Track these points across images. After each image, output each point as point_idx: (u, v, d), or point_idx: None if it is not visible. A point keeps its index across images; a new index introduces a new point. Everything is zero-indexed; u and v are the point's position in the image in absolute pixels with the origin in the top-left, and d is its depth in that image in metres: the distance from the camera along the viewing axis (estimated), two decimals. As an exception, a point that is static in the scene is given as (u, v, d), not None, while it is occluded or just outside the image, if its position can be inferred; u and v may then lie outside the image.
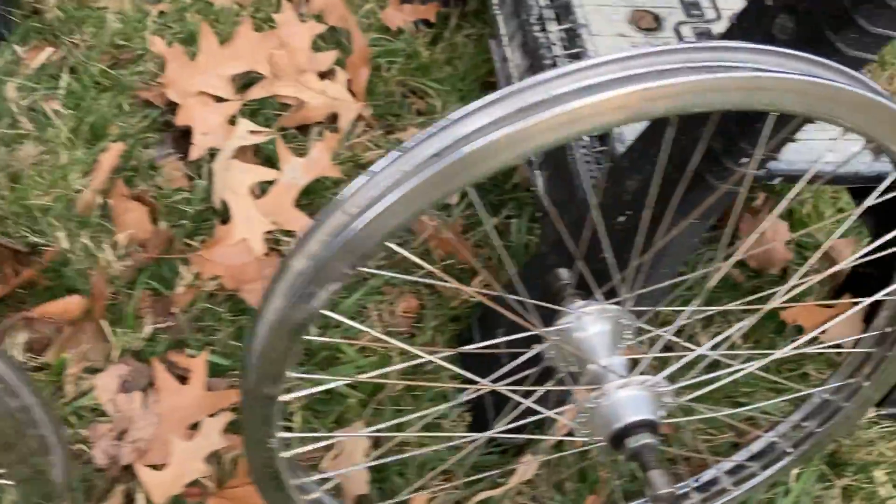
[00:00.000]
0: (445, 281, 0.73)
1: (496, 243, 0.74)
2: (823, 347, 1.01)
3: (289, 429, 1.10)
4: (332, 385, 1.06)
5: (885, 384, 0.99)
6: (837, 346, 1.01)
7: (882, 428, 1.23)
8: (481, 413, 1.13)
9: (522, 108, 0.62)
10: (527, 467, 1.09)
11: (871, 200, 0.77)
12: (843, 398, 1.02)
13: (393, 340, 0.80)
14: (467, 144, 0.61)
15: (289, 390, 0.75)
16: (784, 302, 0.80)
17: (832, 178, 1.07)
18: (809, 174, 0.76)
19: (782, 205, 0.75)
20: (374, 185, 0.64)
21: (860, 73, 0.70)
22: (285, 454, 0.84)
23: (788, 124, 0.71)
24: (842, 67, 0.68)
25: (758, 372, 1.12)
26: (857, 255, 0.84)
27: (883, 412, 1.24)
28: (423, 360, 1.08)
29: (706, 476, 1.11)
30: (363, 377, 0.84)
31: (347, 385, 1.13)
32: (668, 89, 0.62)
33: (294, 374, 0.74)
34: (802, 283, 0.79)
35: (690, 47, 0.66)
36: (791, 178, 1.10)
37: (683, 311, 0.81)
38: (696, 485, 1.10)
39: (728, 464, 1.10)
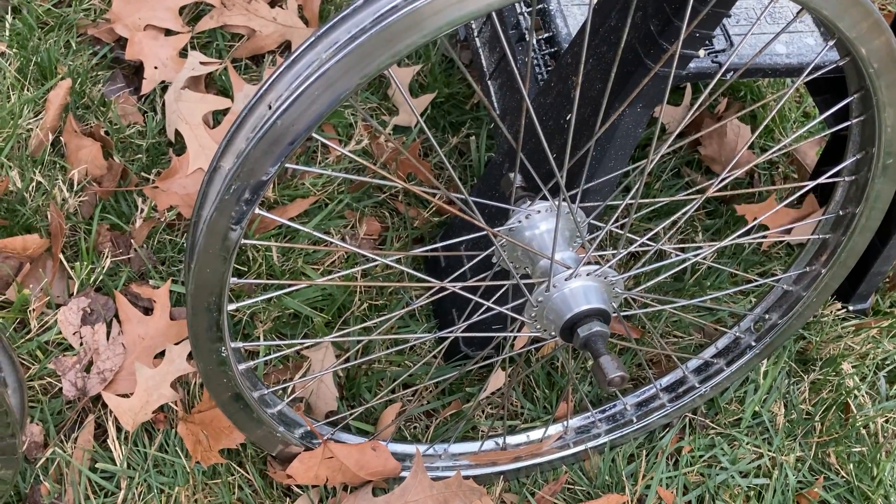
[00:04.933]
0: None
1: (438, 150, 0.73)
2: (761, 237, 1.01)
3: (254, 354, 1.10)
4: (279, 293, 1.07)
5: (843, 271, 1.00)
6: (780, 233, 1.01)
7: (849, 323, 1.23)
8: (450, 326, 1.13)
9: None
10: (497, 379, 1.10)
11: (803, 77, 0.77)
12: (803, 288, 1.02)
13: (340, 242, 0.80)
14: (378, 24, 0.60)
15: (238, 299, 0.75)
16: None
17: (785, 69, 1.06)
18: (746, 65, 0.75)
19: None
20: (294, 74, 0.63)
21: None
22: (242, 366, 0.84)
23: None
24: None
25: (718, 265, 1.12)
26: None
27: (851, 308, 1.25)
28: (388, 279, 1.08)
29: (673, 376, 1.12)
30: (303, 283, 0.83)
31: (313, 307, 1.13)
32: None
33: (236, 281, 0.74)
34: (731, 175, 0.78)
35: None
36: (745, 73, 1.09)
37: (625, 203, 0.81)
38: (662, 386, 1.11)
39: (695, 362, 1.11)
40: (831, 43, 0.75)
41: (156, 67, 1.28)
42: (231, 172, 0.64)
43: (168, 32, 1.32)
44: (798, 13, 0.72)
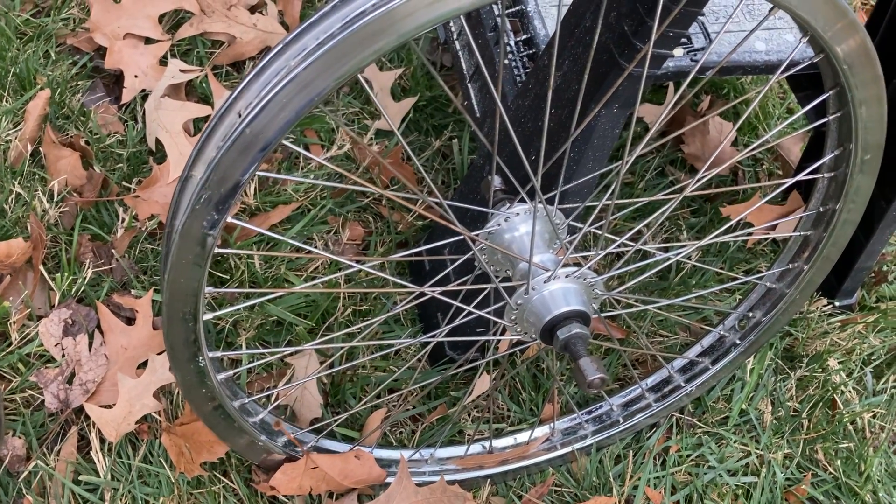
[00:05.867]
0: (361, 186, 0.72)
1: (412, 158, 0.73)
2: (742, 235, 1.01)
3: (237, 362, 1.10)
4: (260, 300, 1.06)
5: (825, 268, 1.00)
6: (761, 231, 1.01)
7: (835, 319, 1.23)
8: (435, 329, 1.13)
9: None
10: (482, 382, 1.10)
11: (778, 75, 0.77)
12: (786, 285, 1.02)
13: (316, 250, 0.79)
14: (346, 30, 0.59)
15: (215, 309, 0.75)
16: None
17: (765, 66, 1.06)
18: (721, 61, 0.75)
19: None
20: (263, 82, 0.63)
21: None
22: (222, 375, 0.84)
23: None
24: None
25: (700, 265, 1.12)
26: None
27: (836, 304, 1.25)
28: (372, 284, 1.08)
29: (658, 376, 1.12)
30: (279, 291, 0.83)
31: (296, 314, 1.12)
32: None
33: (212, 290, 0.73)
34: (709, 174, 0.78)
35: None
36: (724, 71, 1.08)
37: (601, 204, 0.81)
38: (648, 386, 1.11)
39: (680, 361, 1.11)
40: (805, 40, 0.74)
41: (136, 76, 1.28)
42: (202, 181, 0.64)
43: (148, 41, 1.32)
44: (770, 10, 0.72)
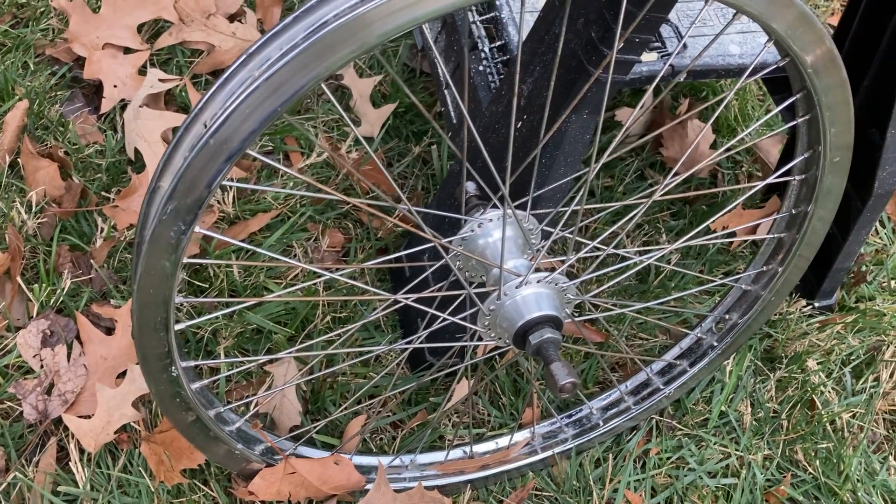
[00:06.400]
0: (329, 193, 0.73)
1: (375, 160, 0.73)
2: (715, 238, 1.01)
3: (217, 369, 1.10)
4: (237, 308, 1.06)
5: (798, 270, 1.00)
6: (731, 234, 1.01)
7: (815, 320, 1.24)
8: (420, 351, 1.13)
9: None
10: (462, 388, 1.10)
11: (743, 80, 0.77)
12: (761, 287, 1.02)
13: (284, 258, 0.80)
14: (309, 40, 0.60)
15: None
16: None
17: (739, 69, 1.07)
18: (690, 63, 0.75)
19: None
20: (228, 92, 0.63)
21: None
22: (196, 385, 0.84)
23: (647, 2, 0.70)
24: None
25: (676, 268, 1.13)
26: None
27: (816, 304, 1.25)
28: (352, 291, 1.08)
29: (637, 379, 1.12)
30: (251, 301, 0.83)
31: (276, 322, 1.13)
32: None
33: (182, 301, 0.74)
34: (678, 178, 0.78)
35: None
36: (698, 75, 1.09)
37: (570, 210, 0.81)
38: (627, 389, 1.11)
39: (658, 364, 1.11)
40: (768, 43, 0.75)
41: (115, 86, 1.28)
42: (168, 192, 0.64)
43: (127, 50, 1.32)
44: (734, 15, 0.72)
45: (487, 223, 0.86)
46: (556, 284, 0.82)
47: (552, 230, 0.83)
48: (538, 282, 0.81)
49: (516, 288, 0.81)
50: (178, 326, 0.75)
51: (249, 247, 0.74)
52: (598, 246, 0.83)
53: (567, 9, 0.66)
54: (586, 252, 0.83)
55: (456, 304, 0.92)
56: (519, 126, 0.91)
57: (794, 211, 0.94)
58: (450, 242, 0.84)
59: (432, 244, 0.95)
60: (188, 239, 0.67)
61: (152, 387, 0.79)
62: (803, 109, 0.83)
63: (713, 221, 1.11)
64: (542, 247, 0.82)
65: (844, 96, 0.79)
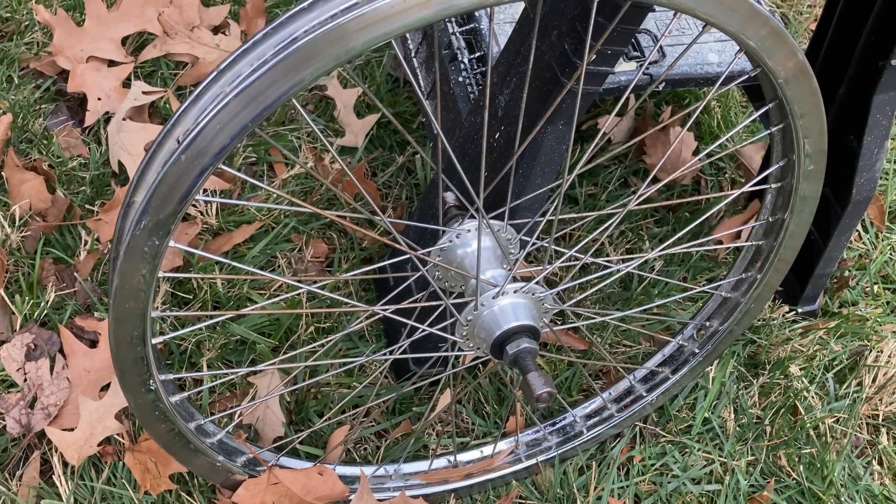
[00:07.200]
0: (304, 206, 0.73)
1: (350, 175, 0.73)
2: (695, 245, 1.02)
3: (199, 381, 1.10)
4: (219, 319, 1.07)
5: (777, 276, 1.01)
6: (713, 242, 1.02)
7: (798, 325, 1.25)
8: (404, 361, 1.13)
9: (335, 13, 0.61)
10: (445, 398, 1.10)
11: (715, 89, 0.78)
12: (741, 294, 1.03)
13: (264, 273, 0.80)
14: (279, 55, 0.60)
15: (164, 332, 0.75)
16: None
17: (717, 78, 1.07)
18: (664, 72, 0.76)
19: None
20: (200, 108, 0.64)
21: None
22: (174, 398, 0.84)
23: (617, 15, 0.70)
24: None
25: (656, 276, 1.13)
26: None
27: (799, 310, 1.26)
28: (336, 302, 1.08)
29: (620, 387, 1.12)
30: (230, 313, 0.84)
31: (260, 333, 1.13)
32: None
33: (159, 314, 0.74)
34: (654, 187, 0.79)
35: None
36: (676, 83, 1.10)
37: (545, 220, 0.82)
38: (611, 397, 1.12)
39: (641, 371, 1.11)
40: (739, 53, 0.76)
41: (99, 99, 1.28)
42: (141, 206, 0.64)
43: (111, 63, 1.32)
44: (703, 28, 0.73)
45: (465, 234, 0.86)
46: (532, 294, 0.82)
47: (528, 239, 0.84)
48: (515, 292, 0.81)
49: (493, 298, 0.81)
50: (155, 340, 0.75)
51: (228, 261, 0.75)
52: (576, 255, 0.84)
53: (537, 21, 0.67)
54: (563, 261, 0.84)
55: (436, 314, 0.92)
56: (497, 137, 0.92)
57: (771, 219, 0.94)
58: (428, 253, 0.85)
59: (396, 259, 0.96)
60: (163, 253, 0.67)
61: (131, 400, 0.80)
62: (777, 119, 0.84)
63: (692, 228, 1.12)
64: (519, 257, 0.83)
65: (816, 104, 0.80)
